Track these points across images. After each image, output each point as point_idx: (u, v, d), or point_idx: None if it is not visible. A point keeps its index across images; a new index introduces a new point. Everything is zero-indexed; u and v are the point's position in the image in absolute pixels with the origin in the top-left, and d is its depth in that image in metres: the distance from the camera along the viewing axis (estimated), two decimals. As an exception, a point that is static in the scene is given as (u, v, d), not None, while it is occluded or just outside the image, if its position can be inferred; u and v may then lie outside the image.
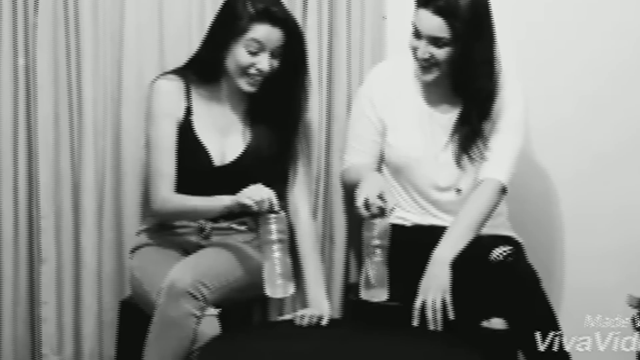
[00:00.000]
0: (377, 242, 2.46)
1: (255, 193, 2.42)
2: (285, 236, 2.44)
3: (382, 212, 2.46)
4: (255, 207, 2.41)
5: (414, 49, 2.56)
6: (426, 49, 2.53)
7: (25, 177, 2.89)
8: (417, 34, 2.54)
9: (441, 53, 2.53)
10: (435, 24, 2.49)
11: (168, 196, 2.57)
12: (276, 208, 2.42)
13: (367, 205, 2.45)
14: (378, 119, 2.71)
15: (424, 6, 2.49)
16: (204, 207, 2.55)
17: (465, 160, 2.63)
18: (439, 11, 2.47)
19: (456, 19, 2.47)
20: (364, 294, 2.49)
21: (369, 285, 2.47)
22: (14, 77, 2.85)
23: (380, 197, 2.46)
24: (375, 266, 2.46)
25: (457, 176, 2.67)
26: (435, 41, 2.51)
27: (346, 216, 2.88)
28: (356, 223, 2.83)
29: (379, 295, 2.47)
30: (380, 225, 2.45)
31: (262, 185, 2.45)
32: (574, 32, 2.97)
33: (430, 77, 2.59)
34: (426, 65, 2.56)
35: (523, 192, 2.90)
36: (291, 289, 2.45)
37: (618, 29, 2.97)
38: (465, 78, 2.57)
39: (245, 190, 2.44)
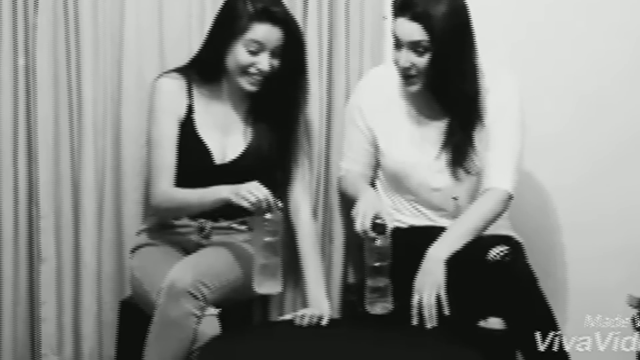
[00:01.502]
0: (377, 263, 2.47)
1: (251, 193, 2.41)
2: (278, 237, 2.44)
3: (381, 231, 2.47)
4: (251, 208, 2.41)
5: (396, 62, 2.57)
6: (407, 58, 2.53)
7: (25, 177, 2.89)
8: (398, 44, 2.54)
9: (422, 61, 2.52)
10: (413, 28, 2.49)
11: (167, 190, 2.58)
12: (273, 208, 2.42)
13: (363, 230, 2.47)
14: (368, 128, 2.71)
15: (401, 14, 2.51)
16: (200, 199, 2.54)
17: (460, 172, 2.64)
18: (415, 17, 2.48)
19: (432, 22, 2.47)
20: (370, 309, 2.50)
21: (373, 302, 2.49)
22: (14, 77, 2.85)
23: (377, 216, 2.48)
24: (378, 284, 2.48)
25: (453, 181, 2.66)
26: (415, 47, 2.51)
27: (343, 219, 2.88)
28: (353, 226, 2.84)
29: (383, 308, 2.49)
30: (379, 244, 2.47)
31: (259, 184, 2.44)
32: (574, 33, 2.97)
33: (414, 88, 2.59)
34: (408, 75, 2.56)
35: (523, 192, 2.89)
36: (278, 288, 2.46)
37: (618, 30, 2.97)
38: (444, 86, 2.56)
39: (242, 187, 2.43)
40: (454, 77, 2.54)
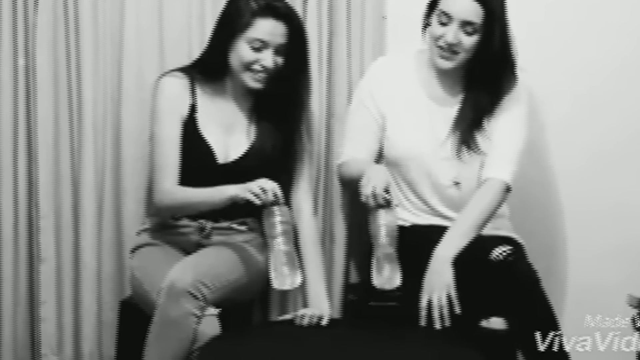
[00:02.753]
0: (383, 231, 2.48)
1: (261, 188, 2.41)
2: (289, 227, 2.45)
3: (388, 204, 2.48)
4: (258, 202, 2.41)
5: (439, 36, 2.57)
6: (456, 35, 2.55)
7: (25, 177, 2.89)
8: (445, 20, 2.55)
9: (469, 41, 2.55)
10: (472, 8, 2.53)
11: (171, 188, 2.57)
12: (280, 200, 2.42)
13: (374, 196, 2.46)
14: (378, 111, 2.71)
15: None
16: (206, 198, 2.54)
17: (464, 151, 2.64)
18: None
19: (493, 6, 2.53)
20: (376, 282, 2.50)
21: (380, 274, 2.49)
22: (14, 77, 2.86)
23: (386, 190, 2.48)
24: (384, 255, 2.48)
25: (456, 172, 2.67)
26: (465, 26, 2.53)
27: (342, 211, 2.88)
28: (354, 219, 2.84)
29: (390, 283, 2.49)
30: (386, 216, 2.47)
31: (266, 179, 2.44)
32: (574, 32, 2.97)
33: (451, 64, 2.60)
34: (450, 51, 2.57)
35: (522, 191, 2.89)
36: (298, 280, 2.46)
37: (618, 29, 2.97)
38: (483, 69, 2.60)
39: (248, 184, 2.44)
40: (497, 61, 2.59)
